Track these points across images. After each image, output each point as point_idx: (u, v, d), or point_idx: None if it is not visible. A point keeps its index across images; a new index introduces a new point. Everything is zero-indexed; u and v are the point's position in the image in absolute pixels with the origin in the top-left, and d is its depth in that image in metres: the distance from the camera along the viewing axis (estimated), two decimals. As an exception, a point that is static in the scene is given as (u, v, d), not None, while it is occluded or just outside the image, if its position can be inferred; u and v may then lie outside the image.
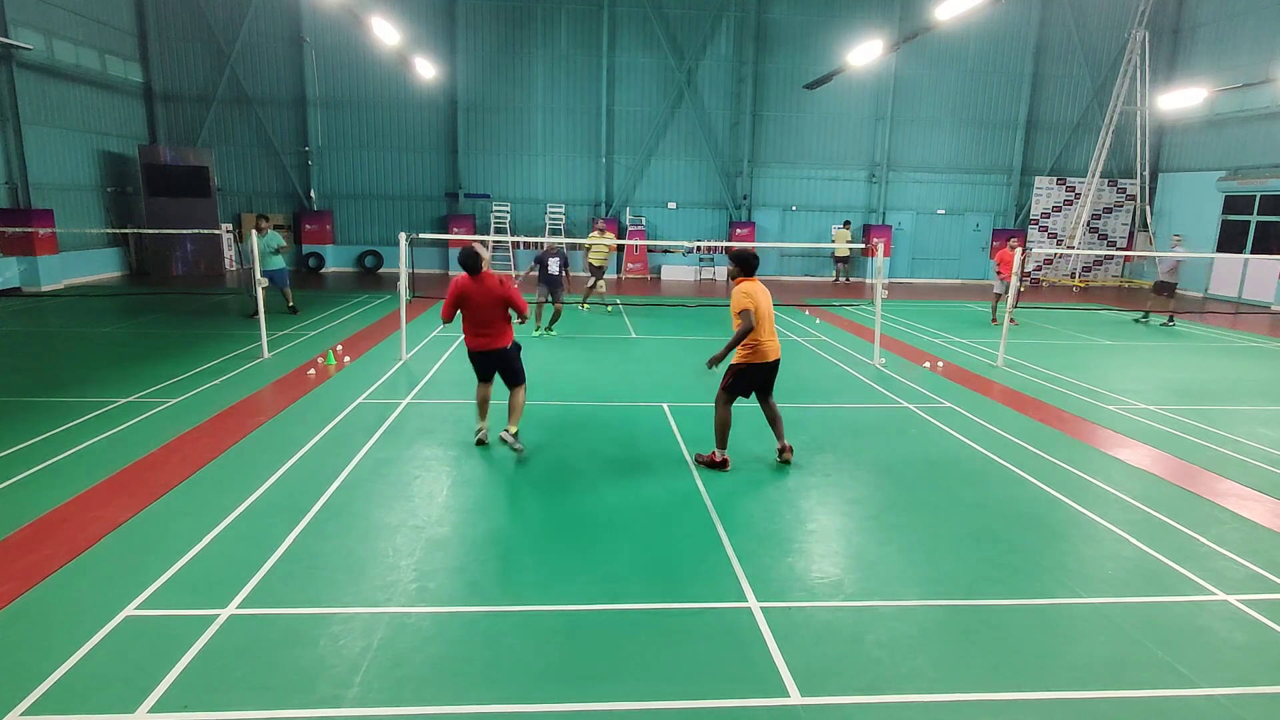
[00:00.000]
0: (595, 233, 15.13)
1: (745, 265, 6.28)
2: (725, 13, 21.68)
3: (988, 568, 4.82)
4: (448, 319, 6.56)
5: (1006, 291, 13.95)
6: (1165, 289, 14.96)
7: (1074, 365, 11.11)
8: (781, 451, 6.57)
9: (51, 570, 4.46)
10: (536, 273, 12.26)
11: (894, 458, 6.91)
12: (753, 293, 6.12)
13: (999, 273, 14.51)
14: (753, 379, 6.32)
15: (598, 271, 15.09)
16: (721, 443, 6.41)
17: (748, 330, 6.03)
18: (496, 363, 6.66)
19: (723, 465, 6.41)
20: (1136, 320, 15.74)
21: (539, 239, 19.71)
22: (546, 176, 22.49)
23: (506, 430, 6.60)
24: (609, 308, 15.86)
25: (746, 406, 6.71)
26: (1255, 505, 5.96)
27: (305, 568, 4.58)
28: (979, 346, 12.40)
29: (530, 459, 6.57)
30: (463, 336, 6.70)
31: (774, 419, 6.58)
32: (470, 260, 6.35)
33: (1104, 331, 14.45)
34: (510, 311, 6.55)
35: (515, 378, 6.71)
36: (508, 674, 3.64)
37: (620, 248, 22.39)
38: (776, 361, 6.34)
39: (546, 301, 12.49)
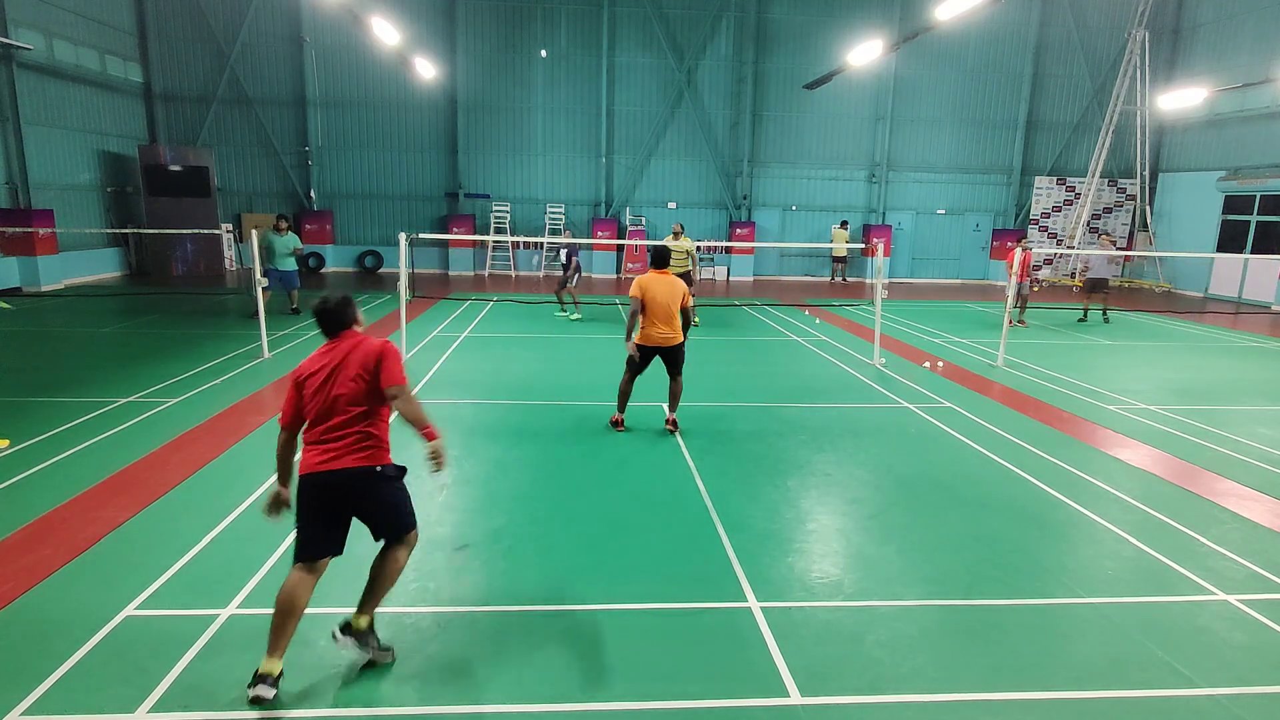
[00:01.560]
0: (670, 237, 14.25)
1: (654, 259, 7.24)
2: (725, 13, 21.68)
3: (988, 568, 4.82)
4: (288, 424, 3.61)
5: (1019, 291, 14.06)
6: (1100, 285, 15.10)
7: (1074, 365, 11.11)
8: (668, 422, 7.41)
9: (51, 570, 4.46)
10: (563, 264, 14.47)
11: (894, 458, 6.91)
12: (644, 283, 7.00)
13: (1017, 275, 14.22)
14: (645, 358, 7.17)
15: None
16: (619, 406, 7.42)
17: (634, 314, 7.02)
18: (351, 504, 3.56)
19: (616, 425, 7.38)
20: (1080, 320, 15.56)
21: (539, 239, 19.79)
22: (546, 176, 22.49)
23: (351, 623, 3.62)
24: (696, 321, 13.95)
25: (752, 407, 6.72)
26: (1255, 505, 5.96)
27: (305, 568, 4.57)
28: (979, 346, 12.40)
29: (529, 459, 6.56)
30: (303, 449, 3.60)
31: (672, 395, 7.37)
32: (334, 308, 3.67)
33: (1104, 331, 14.44)
34: (399, 399, 3.53)
35: (395, 524, 3.70)
36: (508, 674, 3.64)
37: (620, 248, 22.41)
38: (669, 348, 7.11)
39: (562, 289, 14.36)
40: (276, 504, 3.64)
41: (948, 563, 4.88)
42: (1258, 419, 8.48)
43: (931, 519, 5.56)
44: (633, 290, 7.03)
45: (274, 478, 3.64)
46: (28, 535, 4.91)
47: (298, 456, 3.58)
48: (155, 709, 3.32)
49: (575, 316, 14.19)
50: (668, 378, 7.28)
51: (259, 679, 3.31)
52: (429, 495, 5.74)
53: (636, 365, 7.23)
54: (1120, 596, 4.51)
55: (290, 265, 13.15)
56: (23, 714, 3.27)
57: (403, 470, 3.73)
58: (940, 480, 6.35)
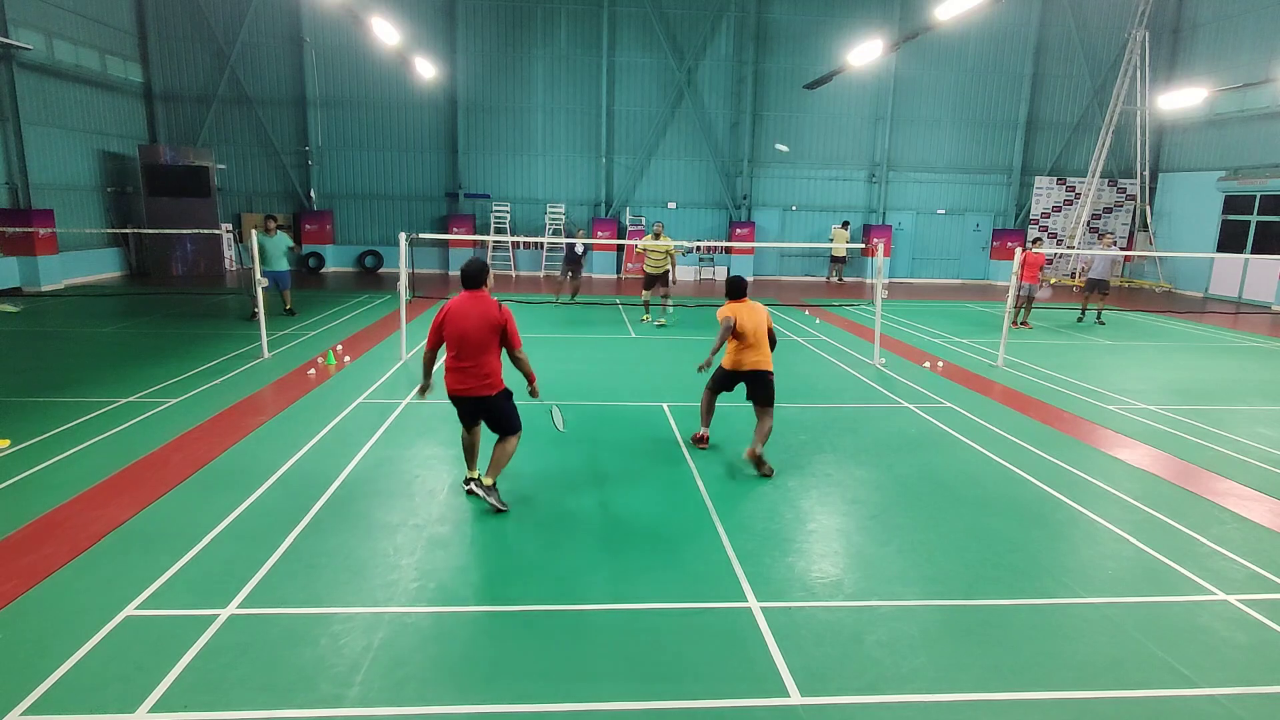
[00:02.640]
0: (649, 236, 13.54)
1: (731, 291, 6.80)
2: (725, 13, 21.68)
3: (988, 568, 4.82)
4: (431, 346, 5.42)
5: (1024, 293, 14.04)
6: (1097, 286, 15.01)
7: (1074, 365, 11.11)
8: (751, 455, 6.43)
9: (52, 570, 4.46)
10: (565, 252, 15.68)
11: (894, 457, 6.91)
12: (734, 310, 6.66)
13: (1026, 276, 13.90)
14: (729, 381, 6.81)
15: (654, 282, 13.60)
16: (703, 422, 7.13)
17: (725, 334, 6.60)
18: (481, 412, 5.49)
19: (700, 441, 7.08)
20: (1078, 320, 15.52)
21: (539, 239, 19.79)
22: (546, 176, 22.49)
23: (482, 480, 5.48)
24: (663, 320, 13.92)
25: (752, 407, 6.73)
26: (1255, 505, 5.96)
27: (305, 567, 4.58)
28: (979, 346, 12.40)
29: (530, 459, 6.56)
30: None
31: (760, 433, 6.52)
32: (475, 267, 5.36)
33: (1104, 331, 14.45)
34: (504, 350, 5.43)
35: (505, 427, 5.52)
36: (508, 674, 3.64)
37: (620, 247, 22.41)
38: (755, 374, 6.61)
39: (569, 278, 15.58)
40: (422, 391, 5.57)
41: (948, 563, 4.88)
42: (1258, 419, 8.48)
43: (931, 519, 5.57)
44: (724, 311, 6.65)
45: (420, 385, 5.61)
46: (28, 535, 4.91)
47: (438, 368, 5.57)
48: (155, 709, 3.32)
49: (557, 301, 15.37)
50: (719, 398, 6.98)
51: (468, 480, 5.61)
52: (430, 494, 5.74)
53: (720, 386, 6.91)
54: (1120, 596, 4.52)
55: (282, 265, 12.90)
56: (23, 714, 3.27)
57: (509, 394, 5.50)
58: (940, 480, 6.35)
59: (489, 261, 5.30)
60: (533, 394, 5.65)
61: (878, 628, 4.10)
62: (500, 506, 5.40)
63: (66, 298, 15.52)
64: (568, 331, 12.96)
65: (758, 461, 6.40)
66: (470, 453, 5.73)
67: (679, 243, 21.33)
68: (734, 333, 6.60)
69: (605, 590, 4.42)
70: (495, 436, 5.56)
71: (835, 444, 7.23)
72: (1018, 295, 11.94)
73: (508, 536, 5.11)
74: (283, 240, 12.92)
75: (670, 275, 13.55)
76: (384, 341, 11.52)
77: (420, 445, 6.86)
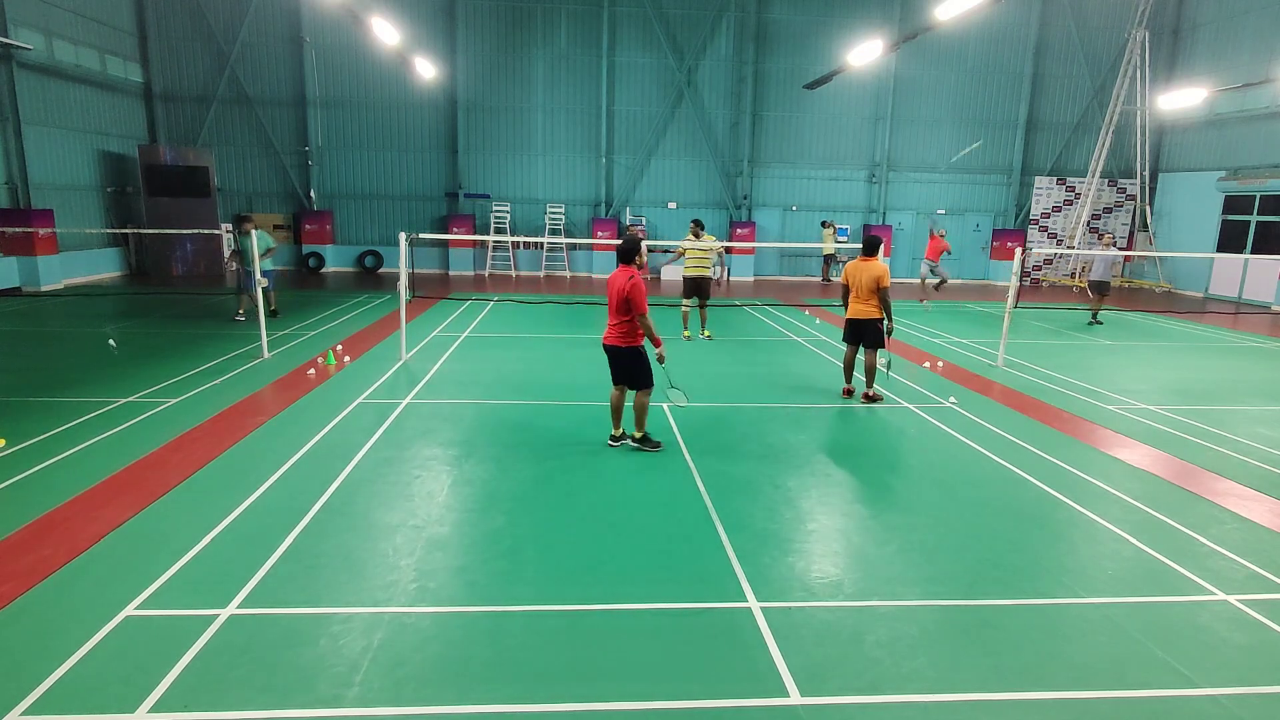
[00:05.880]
0: (690, 236, 11.84)
1: (866, 248, 8.47)
2: (725, 13, 21.68)
3: (988, 568, 4.82)
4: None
5: (929, 273, 16.75)
6: (1100, 287, 15.03)
7: (1074, 365, 11.11)
8: (864, 395, 8.66)
9: (51, 570, 4.46)
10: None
11: (894, 457, 6.91)
12: (849, 269, 8.48)
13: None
14: (847, 327, 8.64)
15: (697, 288, 11.95)
16: (846, 378, 8.92)
17: (843, 291, 8.57)
18: (620, 362, 6.72)
19: (845, 394, 8.83)
20: (1089, 323, 15.33)
21: (538, 239, 19.80)
22: (546, 176, 22.49)
23: (632, 436, 6.85)
24: (705, 333, 12.52)
25: (752, 407, 6.73)
26: (1255, 505, 5.96)
27: (305, 567, 4.58)
28: (979, 346, 12.40)
29: (530, 459, 6.57)
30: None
31: (865, 368, 8.64)
32: (626, 246, 6.59)
33: (1104, 331, 14.44)
34: (637, 317, 6.50)
35: (636, 381, 6.74)
36: (508, 674, 3.64)
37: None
38: (862, 322, 8.41)
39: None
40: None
41: (948, 563, 4.88)
42: (1258, 419, 8.48)
43: (931, 519, 5.56)
44: (842, 276, 8.64)
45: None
46: (28, 535, 4.91)
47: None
48: (155, 709, 3.32)
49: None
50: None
51: (611, 438, 6.92)
52: (429, 495, 5.75)
53: (848, 339, 8.66)
54: (1120, 596, 4.51)
55: (263, 265, 12.22)
56: (23, 714, 3.27)
57: (642, 351, 6.66)
58: (940, 480, 6.35)
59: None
60: (659, 359, 6.75)
61: (878, 628, 4.10)
62: (657, 445, 6.80)
63: (66, 298, 15.52)
64: (568, 331, 12.95)
65: (867, 398, 8.55)
66: (615, 413, 6.91)
67: (676, 243, 21.26)
68: (846, 285, 8.44)
69: (605, 590, 4.42)
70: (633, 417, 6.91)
71: (835, 443, 7.23)
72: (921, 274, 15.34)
73: (506, 537, 5.10)
74: (263, 239, 12.55)
75: (716, 277, 11.96)
76: (384, 341, 11.51)
77: (420, 445, 6.86)
